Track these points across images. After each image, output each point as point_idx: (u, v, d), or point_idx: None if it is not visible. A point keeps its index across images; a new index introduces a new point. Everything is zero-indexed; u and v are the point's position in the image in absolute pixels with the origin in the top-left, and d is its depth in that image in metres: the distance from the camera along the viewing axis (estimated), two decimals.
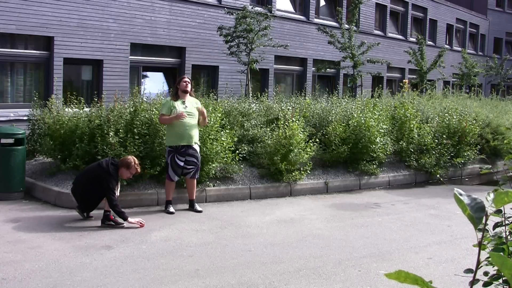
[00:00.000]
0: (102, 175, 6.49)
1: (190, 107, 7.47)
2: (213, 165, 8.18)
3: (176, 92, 7.57)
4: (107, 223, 6.56)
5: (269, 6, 15.93)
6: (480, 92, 23.24)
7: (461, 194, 1.12)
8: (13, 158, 7.73)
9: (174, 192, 7.65)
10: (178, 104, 7.40)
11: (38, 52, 11.89)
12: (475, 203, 1.11)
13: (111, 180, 6.49)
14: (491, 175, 11.17)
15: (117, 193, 6.74)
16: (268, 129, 9.55)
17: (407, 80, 15.69)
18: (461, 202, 1.10)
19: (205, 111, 7.70)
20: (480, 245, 1.18)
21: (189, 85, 7.56)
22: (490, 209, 1.21)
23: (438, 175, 11.01)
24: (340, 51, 17.24)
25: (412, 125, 11.15)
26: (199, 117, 7.56)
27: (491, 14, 35.14)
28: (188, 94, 7.59)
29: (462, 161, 11.67)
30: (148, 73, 14.75)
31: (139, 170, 6.82)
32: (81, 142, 8.08)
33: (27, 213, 7.09)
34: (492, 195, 1.20)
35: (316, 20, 19.55)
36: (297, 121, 9.27)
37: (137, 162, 6.76)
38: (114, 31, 13.09)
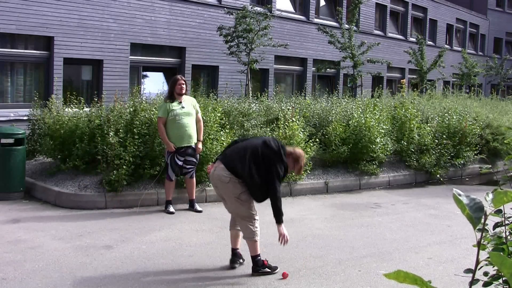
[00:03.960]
0: (272, 156, 4.99)
1: (187, 107, 7.42)
2: None
3: (171, 94, 7.45)
4: (262, 271, 5.10)
5: (269, 6, 15.92)
6: (480, 92, 23.25)
7: (460, 194, 1.12)
8: (13, 158, 7.74)
9: (174, 192, 7.64)
10: (175, 106, 7.34)
11: (38, 52, 11.89)
12: (474, 203, 1.11)
13: (280, 166, 5.02)
14: (491, 175, 11.18)
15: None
16: (268, 129, 9.54)
17: (404, 80, 15.70)
18: (460, 202, 1.10)
19: (201, 122, 7.64)
20: (479, 245, 1.18)
21: (184, 87, 7.46)
22: (489, 209, 1.21)
23: (438, 175, 11.01)
24: (340, 51, 17.23)
25: (412, 125, 11.14)
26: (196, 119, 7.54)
27: (491, 14, 35.13)
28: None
29: (462, 162, 11.68)
30: (148, 73, 14.75)
31: (302, 171, 5.46)
32: (81, 142, 8.09)
33: (27, 213, 7.09)
34: (491, 195, 1.20)
35: (316, 20, 19.55)
36: (297, 121, 9.26)
37: (303, 156, 5.26)
38: (114, 31, 13.09)
